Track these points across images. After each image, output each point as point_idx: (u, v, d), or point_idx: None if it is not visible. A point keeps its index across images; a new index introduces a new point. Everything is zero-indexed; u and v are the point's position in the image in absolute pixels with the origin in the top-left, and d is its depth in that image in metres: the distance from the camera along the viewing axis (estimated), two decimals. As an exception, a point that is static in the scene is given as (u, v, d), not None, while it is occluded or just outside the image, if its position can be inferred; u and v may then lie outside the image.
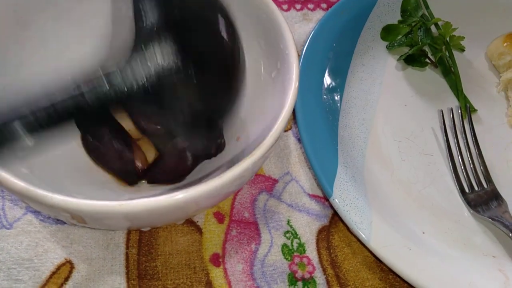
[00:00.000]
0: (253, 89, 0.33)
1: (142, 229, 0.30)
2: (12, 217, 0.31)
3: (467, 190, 0.35)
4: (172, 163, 0.30)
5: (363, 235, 0.31)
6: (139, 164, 0.32)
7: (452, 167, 0.36)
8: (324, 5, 0.46)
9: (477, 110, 0.40)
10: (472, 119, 0.39)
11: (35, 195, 0.21)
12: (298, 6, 0.45)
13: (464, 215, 0.35)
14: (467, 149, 0.37)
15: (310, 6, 0.46)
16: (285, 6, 0.45)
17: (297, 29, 0.44)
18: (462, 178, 0.36)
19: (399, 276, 0.31)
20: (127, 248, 0.31)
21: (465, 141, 0.37)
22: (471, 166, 0.36)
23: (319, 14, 0.45)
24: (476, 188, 0.35)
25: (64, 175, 0.30)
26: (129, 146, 0.32)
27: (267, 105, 0.30)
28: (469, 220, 0.34)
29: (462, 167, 0.36)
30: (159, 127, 0.32)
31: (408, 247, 0.31)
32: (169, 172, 0.31)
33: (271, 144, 0.24)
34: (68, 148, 0.31)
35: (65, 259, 0.30)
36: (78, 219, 0.24)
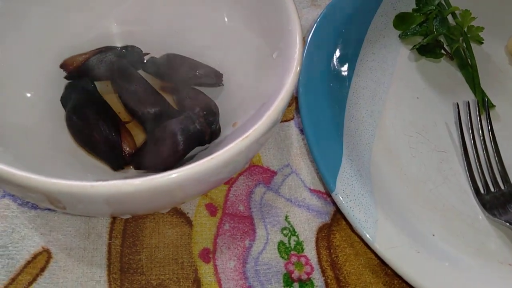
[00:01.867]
0: (252, 72, 0.31)
1: (122, 217, 0.28)
2: (-12, 200, 0.30)
3: (482, 191, 0.33)
4: (161, 147, 0.28)
5: (367, 235, 0.29)
6: (126, 148, 0.30)
7: (467, 166, 0.34)
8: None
9: (495, 106, 0.37)
10: (490, 115, 0.36)
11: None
12: (306, -9, 0.43)
13: (478, 218, 0.32)
14: (483, 147, 0.35)
15: (319, -9, 0.43)
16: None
17: (304, 15, 0.41)
18: (477, 178, 0.34)
19: (405, 281, 0.28)
20: (110, 238, 0.29)
21: (481, 138, 0.35)
22: (487, 165, 0.34)
23: (328, 0, 0.42)
24: (492, 189, 0.33)
25: (44, 156, 0.28)
26: (116, 128, 0.30)
27: (268, 89, 0.28)
28: (484, 223, 0.32)
29: (478, 166, 0.34)
30: (149, 110, 0.30)
31: (416, 250, 0.29)
32: (157, 157, 0.28)
33: (267, 126, 0.22)
34: (50, 127, 0.29)
35: (43, 247, 0.28)
36: (52, 201, 0.21)
